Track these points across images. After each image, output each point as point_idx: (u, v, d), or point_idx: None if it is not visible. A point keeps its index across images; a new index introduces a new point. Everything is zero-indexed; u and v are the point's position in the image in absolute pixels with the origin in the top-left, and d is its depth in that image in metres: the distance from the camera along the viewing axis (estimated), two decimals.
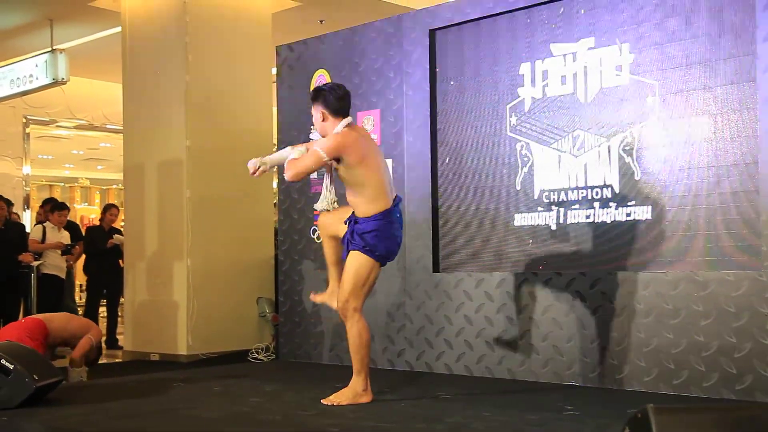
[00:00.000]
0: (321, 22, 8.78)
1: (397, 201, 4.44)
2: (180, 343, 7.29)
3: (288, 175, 4.38)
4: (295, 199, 6.63)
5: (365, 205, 4.35)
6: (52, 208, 8.80)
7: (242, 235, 7.61)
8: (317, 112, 4.43)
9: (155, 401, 4.68)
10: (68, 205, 9.76)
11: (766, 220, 4.36)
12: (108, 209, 9.33)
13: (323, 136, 4.43)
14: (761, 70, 4.40)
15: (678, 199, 4.75)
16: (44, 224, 8.64)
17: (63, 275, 8.62)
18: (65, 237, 8.72)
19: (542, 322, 5.17)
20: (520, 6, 5.37)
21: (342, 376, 5.59)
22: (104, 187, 16.76)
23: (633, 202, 4.91)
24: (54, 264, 8.46)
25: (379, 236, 4.32)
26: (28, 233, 8.75)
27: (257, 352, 6.95)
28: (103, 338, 9.09)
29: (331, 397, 4.40)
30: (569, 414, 4.09)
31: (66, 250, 8.59)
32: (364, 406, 4.34)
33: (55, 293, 8.47)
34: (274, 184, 7.88)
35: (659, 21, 4.83)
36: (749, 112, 4.50)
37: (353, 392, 4.38)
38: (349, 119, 4.43)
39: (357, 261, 4.34)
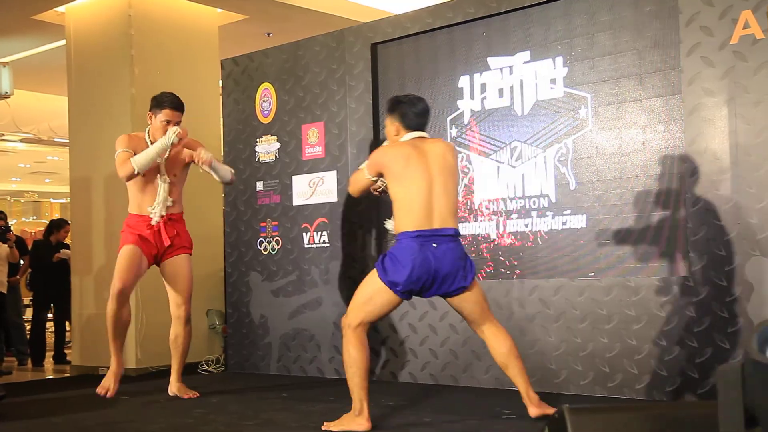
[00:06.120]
0: (268, 35, 8.85)
1: (442, 232, 3.92)
2: (129, 356, 7.25)
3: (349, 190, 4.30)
4: (242, 211, 6.68)
5: (396, 220, 4.03)
6: None
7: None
8: (392, 125, 4.08)
9: (99, 415, 4.69)
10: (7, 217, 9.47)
11: (692, 228, 4.54)
12: (62, 225, 9.10)
13: None
14: (685, 84, 4.58)
15: (610, 208, 4.91)
16: None
17: (4, 290, 8.44)
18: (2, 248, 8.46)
19: None
20: (457, 21, 5.51)
21: (288, 386, 5.67)
22: (53, 201, 16.54)
23: (568, 211, 5.07)
24: None
25: (392, 259, 3.91)
26: None
27: (207, 364, 6.96)
28: (51, 354, 9.00)
29: (331, 424, 4.00)
30: (507, 418, 4.21)
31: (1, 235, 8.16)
32: (305, 415, 4.41)
33: None
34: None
35: (590, 36, 5.00)
36: (675, 124, 4.69)
37: (348, 418, 3.97)
38: (419, 133, 4.05)
39: (370, 276, 4.02)
